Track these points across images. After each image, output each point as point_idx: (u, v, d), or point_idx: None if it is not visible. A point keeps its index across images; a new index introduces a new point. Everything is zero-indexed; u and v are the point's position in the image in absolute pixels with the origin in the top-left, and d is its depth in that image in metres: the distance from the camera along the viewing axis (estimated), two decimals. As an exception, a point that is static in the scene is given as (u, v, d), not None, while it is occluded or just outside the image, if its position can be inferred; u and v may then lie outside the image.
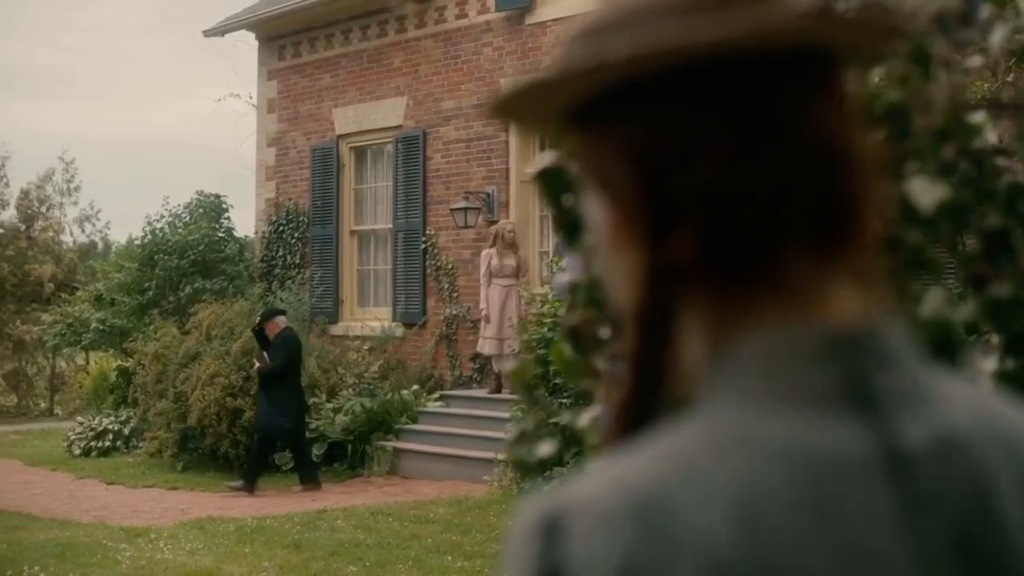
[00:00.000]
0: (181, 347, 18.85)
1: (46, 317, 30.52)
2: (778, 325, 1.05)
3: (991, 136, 2.00)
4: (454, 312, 19.28)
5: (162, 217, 23.49)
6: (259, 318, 17.07)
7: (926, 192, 1.86)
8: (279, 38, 22.33)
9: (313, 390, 17.73)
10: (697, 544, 0.96)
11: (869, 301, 1.08)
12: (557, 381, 9.90)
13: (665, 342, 1.09)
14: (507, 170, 18.49)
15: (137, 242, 24.09)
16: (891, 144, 1.94)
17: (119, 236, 38.81)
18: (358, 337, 20.10)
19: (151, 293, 22.65)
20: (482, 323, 17.33)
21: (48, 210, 34.49)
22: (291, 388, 16.48)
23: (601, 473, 1.03)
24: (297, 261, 21.86)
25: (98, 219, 36.82)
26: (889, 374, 1.04)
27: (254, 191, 23.06)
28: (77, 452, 20.57)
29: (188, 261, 22.35)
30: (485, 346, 17.28)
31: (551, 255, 16.57)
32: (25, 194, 33.97)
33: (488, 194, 18.68)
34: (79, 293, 30.11)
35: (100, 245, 40.30)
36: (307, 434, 16.95)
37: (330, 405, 17.60)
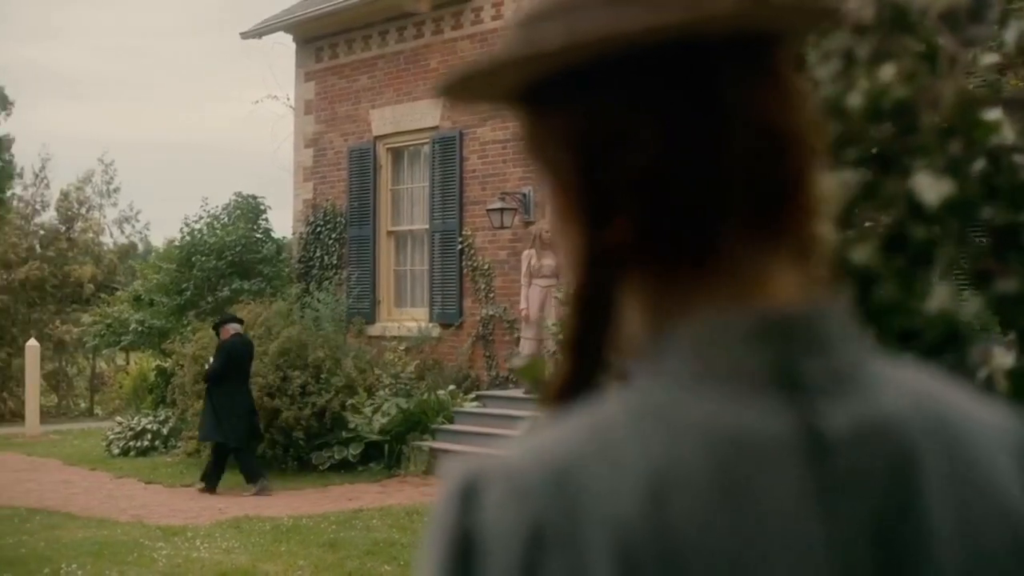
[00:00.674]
0: (218, 348, 18.94)
1: (86, 318, 30.69)
2: (713, 308, 1.06)
3: (1008, 133, 2.00)
4: (490, 312, 19.28)
5: (200, 218, 23.59)
6: (213, 324, 17.56)
7: (931, 188, 1.86)
8: (316, 40, 22.40)
9: (350, 390, 17.78)
10: (605, 515, 0.98)
11: (811, 284, 1.09)
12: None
13: (604, 323, 1.10)
14: (543, 171, 18.43)
15: (175, 243, 24.20)
16: (898, 140, 1.95)
17: (158, 237, 39.05)
18: (395, 337, 20.14)
19: (189, 294, 22.74)
20: (522, 323, 17.38)
21: (88, 211, 34.68)
22: (228, 394, 16.66)
23: (523, 444, 1.05)
24: (334, 262, 21.91)
25: (137, 220, 37.07)
26: (820, 358, 1.05)
27: (291, 192, 23.13)
28: (116, 452, 20.70)
29: (226, 262, 22.44)
30: (524, 346, 17.30)
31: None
32: (65, 196, 34.16)
33: (524, 195, 18.67)
34: (118, 293, 30.26)
35: (140, 246, 40.49)
36: (261, 435, 17.27)
37: (368, 406, 17.64)
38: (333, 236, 22.03)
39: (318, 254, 22.25)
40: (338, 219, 21.96)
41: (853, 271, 1.91)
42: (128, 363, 32.19)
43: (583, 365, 1.11)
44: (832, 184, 1.90)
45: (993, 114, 1.97)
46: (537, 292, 17.04)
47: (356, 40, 21.71)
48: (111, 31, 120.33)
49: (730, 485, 1.00)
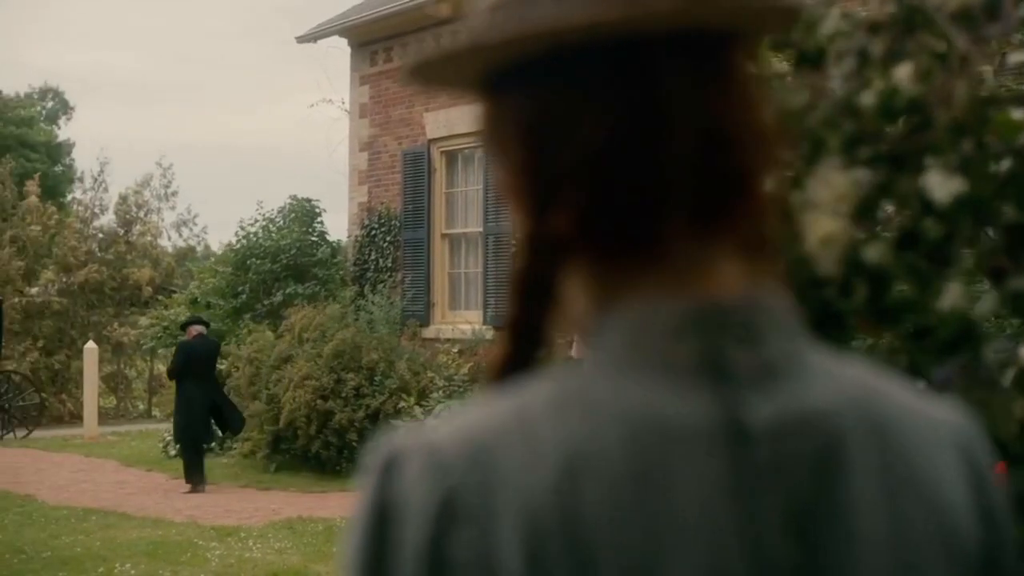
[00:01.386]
0: (274, 350, 19.04)
1: (143, 320, 30.91)
2: (647, 297, 1.07)
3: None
4: (544, 315, 19.25)
5: (256, 222, 23.74)
6: (181, 324, 18.81)
7: (942, 186, 1.87)
8: (371, 43, 22.48)
9: (403, 392, 17.82)
10: (517, 495, 1.00)
11: (755, 276, 1.09)
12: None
13: (543, 306, 1.12)
14: (596, 173, 18.43)
15: (230, 247, 24.36)
16: (911, 139, 1.95)
17: (215, 241, 39.29)
18: (449, 340, 20.18)
19: (244, 297, 22.89)
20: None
21: (146, 215, 34.89)
22: (183, 392, 17.79)
23: (449, 421, 1.08)
24: (389, 264, 21.97)
25: (195, 223, 37.37)
26: (750, 349, 1.06)
27: (346, 195, 23.22)
28: (172, 453, 20.81)
29: (281, 265, 22.56)
30: (576, 348, 17.30)
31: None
32: (123, 199, 34.37)
33: (578, 197, 18.65)
34: (175, 296, 30.47)
35: (199, 249, 40.78)
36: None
37: (419, 408, 17.69)
38: (388, 239, 22.08)
39: (373, 257, 22.31)
40: (392, 222, 22.02)
41: (867, 269, 1.91)
42: (186, 365, 32.40)
43: (521, 346, 1.14)
44: (846, 183, 1.91)
45: (1019, 113, 1.97)
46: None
47: (410, 44, 21.77)
48: (169, 35, 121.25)
49: (644, 471, 1.01)
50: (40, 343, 30.70)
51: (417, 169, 21.53)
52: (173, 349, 19.00)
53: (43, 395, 28.19)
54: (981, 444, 1.16)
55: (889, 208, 1.97)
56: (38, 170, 40.47)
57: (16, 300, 30.66)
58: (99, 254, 32.75)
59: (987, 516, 1.13)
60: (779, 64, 2.14)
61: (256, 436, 18.73)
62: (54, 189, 46.44)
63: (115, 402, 32.43)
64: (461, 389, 18.46)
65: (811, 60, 2.07)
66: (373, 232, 22.34)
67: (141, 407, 33.09)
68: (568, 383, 1.08)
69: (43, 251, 32.12)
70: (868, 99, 1.96)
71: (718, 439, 1.03)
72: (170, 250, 36.80)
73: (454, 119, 20.72)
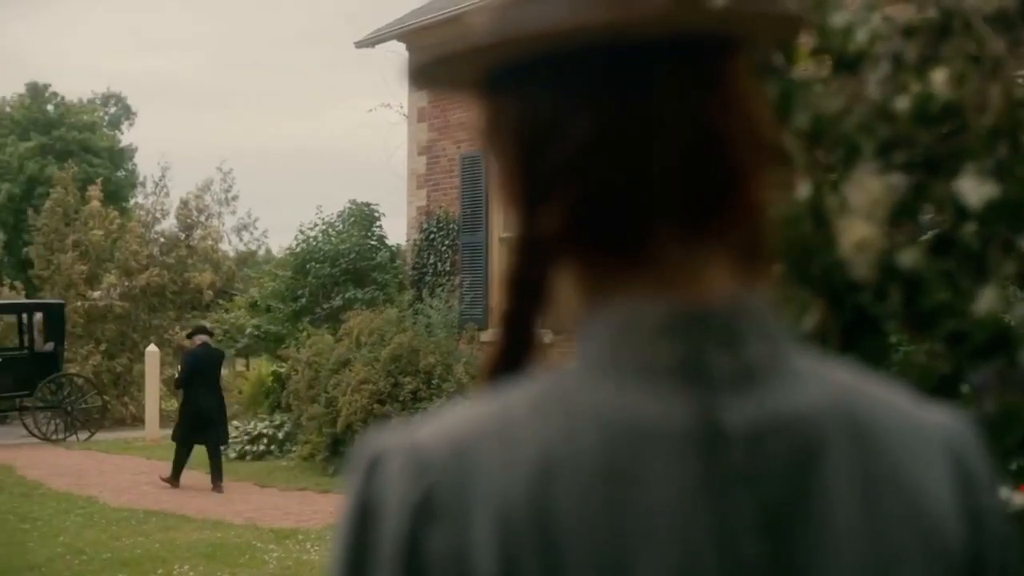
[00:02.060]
0: (332, 354, 19.14)
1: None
2: (631, 299, 1.08)
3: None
4: (602, 318, 19.23)
5: (315, 226, 23.88)
6: (187, 334, 19.73)
7: (975, 190, 1.86)
8: (429, 48, 22.54)
9: (460, 396, 17.86)
10: (492, 493, 1.02)
11: (747, 280, 1.10)
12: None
13: (535, 305, 1.14)
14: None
15: (289, 251, 24.52)
16: (946, 143, 1.95)
17: (275, 244, 39.43)
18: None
19: (304, 300, 23.02)
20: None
21: (207, 219, 35.16)
22: (188, 397, 18.34)
23: (433, 421, 1.10)
24: (447, 268, 22.02)
25: (255, 227, 37.60)
26: (731, 352, 1.06)
27: (405, 199, 23.30)
28: (233, 456, 20.99)
29: (340, 269, 22.69)
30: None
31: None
32: (184, 204, 34.66)
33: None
34: (236, 299, 30.68)
35: (261, 252, 40.99)
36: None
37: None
38: (446, 243, 22.14)
39: (431, 261, 22.37)
40: (451, 226, 22.07)
41: (901, 274, 1.91)
42: (248, 368, 32.62)
43: (514, 344, 1.15)
44: (881, 188, 1.91)
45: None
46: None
47: (468, 48, 21.80)
48: (231, 41, 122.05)
49: (617, 472, 1.02)
50: (102, 346, 31.03)
51: (475, 172, 21.56)
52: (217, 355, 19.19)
53: (105, 398, 28.45)
54: (975, 448, 1.16)
55: (927, 215, 1.97)
56: (101, 175, 40.89)
57: (79, 304, 31.00)
58: (160, 258, 33.05)
59: (975, 519, 1.13)
60: (817, 69, 2.14)
61: (315, 439, 18.85)
62: (116, 194, 46.84)
63: (176, 405, 32.67)
64: (519, 392, 18.44)
65: (848, 65, 2.07)
66: (431, 236, 22.40)
67: (203, 410, 33.30)
68: (550, 385, 1.09)
69: (105, 255, 32.44)
70: (903, 104, 1.96)
71: (693, 441, 1.04)
72: (231, 254, 37.01)
73: (512, 123, 20.73)
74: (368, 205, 24.12)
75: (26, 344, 27.68)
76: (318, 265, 22.88)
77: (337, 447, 18.34)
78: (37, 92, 56.85)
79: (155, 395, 26.20)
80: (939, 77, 1.97)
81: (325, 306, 22.64)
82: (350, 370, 18.30)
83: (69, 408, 26.24)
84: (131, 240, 32.32)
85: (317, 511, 15.48)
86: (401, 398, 17.58)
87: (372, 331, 18.86)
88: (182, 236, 34.07)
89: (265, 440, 21.10)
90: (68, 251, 31.91)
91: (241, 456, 20.89)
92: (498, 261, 21.32)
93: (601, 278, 1.11)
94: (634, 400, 1.05)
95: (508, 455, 1.04)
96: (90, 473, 19.94)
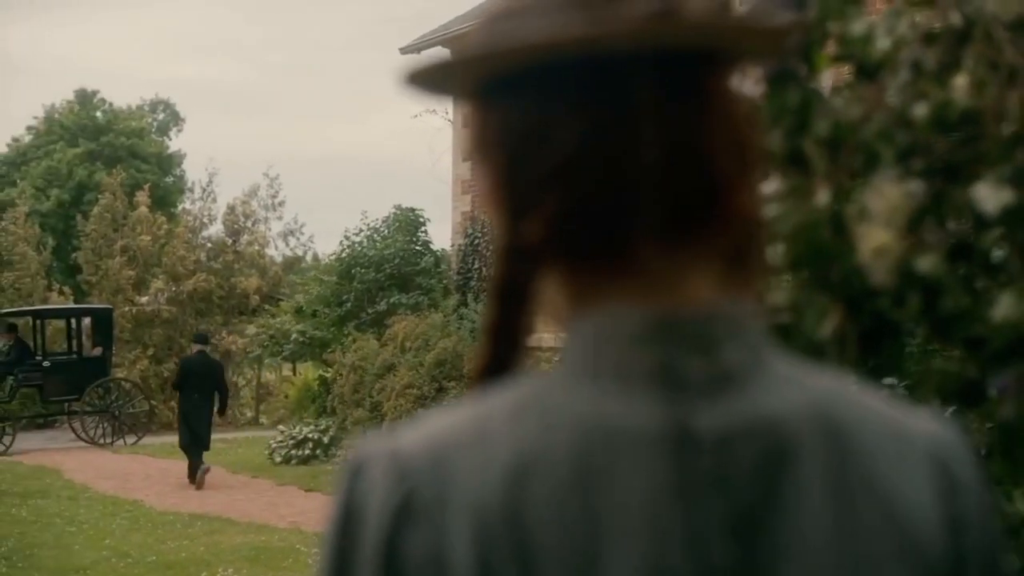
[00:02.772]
0: (377, 359, 19.21)
1: (250, 329, 31.29)
2: (613, 306, 1.11)
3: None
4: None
5: (360, 231, 23.97)
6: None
7: (991, 197, 1.87)
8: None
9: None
10: (468, 496, 1.05)
11: (730, 288, 1.12)
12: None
13: (520, 312, 1.17)
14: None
15: (334, 256, 24.62)
16: (964, 150, 1.96)
17: (322, 249, 39.59)
18: (550, 348, 20.12)
19: (349, 305, 23.11)
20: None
21: (253, 224, 35.28)
22: (181, 403, 19.77)
23: (417, 427, 1.13)
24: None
25: (302, 233, 37.65)
26: (706, 358, 1.08)
27: (450, 204, 23.36)
28: (278, 460, 21.10)
29: (385, 275, 22.76)
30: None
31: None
32: (231, 209, 34.80)
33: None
34: (282, 304, 30.81)
35: (308, 258, 41.09)
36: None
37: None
38: (491, 248, 22.10)
39: (476, 266, 22.39)
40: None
41: (920, 280, 1.92)
42: (294, 373, 32.77)
43: (499, 350, 1.18)
44: (899, 194, 1.92)
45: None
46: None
47: (513, 54, 21.82)
48: (278, 46, 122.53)
49: (588, 474, 1.05)
50: (150, 351, 31.22)
51: (519, 178, 21.56)
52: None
53: (152, 402, 28.62)
54: (961, 455, 1.17)
55: (946, 221, 1.98)
56: (148, 181, 41.10)
57: (127, 309, 31.21)
58: (207, 263, 33.24)
59: (957, 524, 1.14)
60: (840, 77, 2.16)
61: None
62: (164, 200, 47.10)
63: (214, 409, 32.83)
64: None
65: (869, 73, 2.08)
66: (476, 241, 22.43)
67: (249, 414, 33.49)
68: (529, 390, 1.12)
69: (153, 261, 32.64)
70: (922, 111, 1.97)
71: (665, 444, 1.06)
72: (277, 259, 37.17)
73: (556, 128, 20.74)
74: (413, 210, 24.20)
75: (74, 349, 27.90)
76: (363, 270, 22.97)
77: (382, 452, 18.37)
78: (86, 99, 57.29)
79: (202, 399, 26.31)
80: (958, 84, 1.98)
81: (370, 311, 22.73)
82: (395, 375, 18.37)
83: (116, 412, 26.38)
84: (178, 245, 32.50)
85: (361, 515, 15.52)
86: (446, 403, 17.58)
87: (417, 336, 18.92)
88: (229, 241, 34.23)
89: (310, 444, 21.17)
90: (116, 256, 32.12)
91: (286, 460, 20.97)
92: (542, 266, 21.30)
93: (584, 285, 1.13)
94: (609, 405, 1.08)
95: (484, 458, 1.07)
96: (136, 477, 20.09)
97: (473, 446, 1.09)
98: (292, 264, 38.17)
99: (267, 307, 32.02)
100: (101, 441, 25.73)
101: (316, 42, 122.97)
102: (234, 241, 34.27)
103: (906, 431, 1.15)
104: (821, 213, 1.97)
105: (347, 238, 24.12)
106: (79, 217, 35.77)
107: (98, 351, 27.56)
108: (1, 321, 27.62)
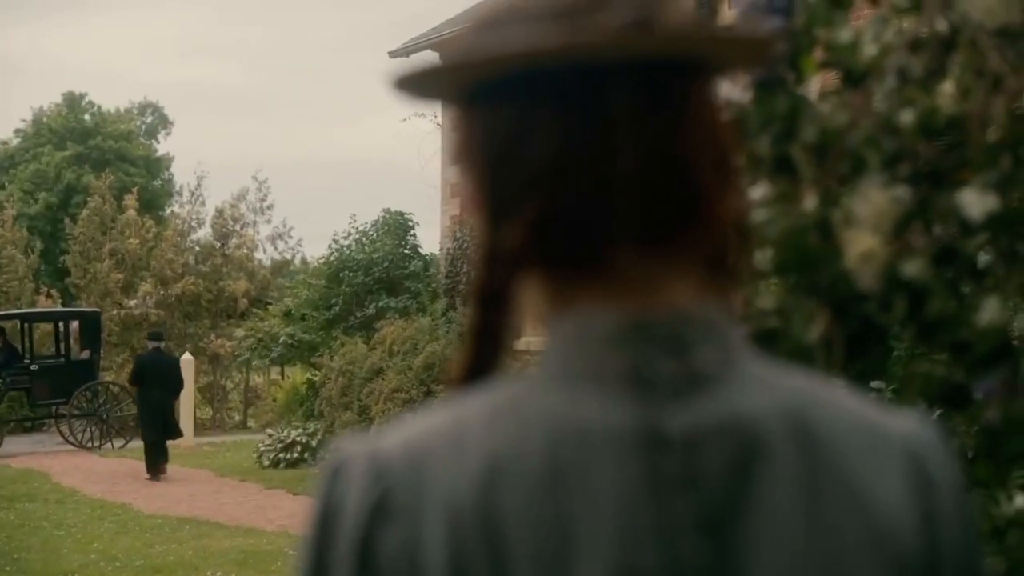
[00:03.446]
0: (365, 362, 19.20)
1: (239, 332, 31.28)
2: (589, 310, 1.13)
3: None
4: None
5: (349, 235, 23.97)
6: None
7: (976, 203, 1.89)
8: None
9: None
10: (443, 496, 1.08)
11: (707, 293, 1.14)
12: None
13: (500, 315, 1.19)
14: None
15: (322, 260, 24.64)
16: (949, 156, 1.98)
17: (310, 253, 39.53)
18: (540, 352, 20.16)
19: (337, 309, 23.11)
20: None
21: (242, 228, 35.22)
22: (139, 398, 21.11)
23: (396, 429, 1.16)
24: (481, 277, 21.98)
25: (290, 236, 37.57)
26: (677, 360, 1.10)
27: (439, 208, 23.36)
28: (266, 463, 21.08)
29: (373, 278, 22.77)
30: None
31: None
32: (220, 213, 34.75)
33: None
34: (271, 308, 30.80)
35: (297, 261, 41.01)
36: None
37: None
38: (473, 252, 22.11)
39: (465, 270, 22.37)
40: (484, 235, 22.04)
41: (906, 285, 1.94)
42: (283, 376, 32.76)
43: (481, 353, 1.20)
44: (886, 200, 1.94)
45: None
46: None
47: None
48: (266, 50, 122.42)
49: (560, 474, 1.07)
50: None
51: (508, 182, 21.56)
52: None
53: (140, 406, 28.56)
54: (937, 453, 1.19)
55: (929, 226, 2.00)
56: (137, 184, 41.12)
57: (115, 312, 31.21)
58: (196, 267, 33.22)
59: (931, 521, 1.15)
60: (826, 83, 2.17)
61: (348, 447, 18.91)
62: (152, 203, 47.02)
63: (211, 413, 32.83)
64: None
65: (856, 79, 2.10)
66: (465, 245, 22.39)
67: (237, 418, 33.49)
68: (505, 392, 1.14)
69: (141, 264, 32.65)
70: (908, 117, 1.99)
71: (636, 445, 1.08)
72: (266, 263, 37.12)
73: (544, 132, 20.74)
74: (402, 214, 24.22)
75: (62, 352, 27.85)
76: (352, 274, 22.98)
77: (370, 455, 18.38)
78: (74, 102, 57.22)
79: (190, 403, 26.31)
80: (944, 91, 2.00)
81: (358, 315, 22.73)
82: (383, 378, 18.38)
83: (104, 416, 26.33)
84: (167, 249, 32.50)
85: (349, 519, 15.52)
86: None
87: (405, 340, 18.92)
88: (217, 245, 34.21)
89: (299, 448, 21.15)
90: (104, 260, 32.12)
91: (275, 464, 20.95)
92: (531, 270, 21.31)
93: (563, 290, 1.16)
94: (582, 406, 1.10)
95: (459, 459, 1.10)
96: (124, 480, 20.07)
97: (449, 448, 1.11)
98: (280, 268, 38.08)
99: (255, 311, 32.01)
100: (89, 445, 25.67)
101: (305, 46, 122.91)
102: (222, 245, 34.23)
103: (880, 429, 1.17)
104: (808, 218, 1.99)
105: (336, 241, 24.13)
106: (67, 220, 35.73)
107: (86, 354, 27.51)
108: (-11, 324, 27.57)
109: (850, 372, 1.99)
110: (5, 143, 56.19)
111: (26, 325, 27.62)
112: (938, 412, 2.00)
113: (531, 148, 1.13)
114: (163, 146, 62.96)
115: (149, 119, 62.95)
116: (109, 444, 25.67)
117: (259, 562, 12.89)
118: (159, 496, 17.98)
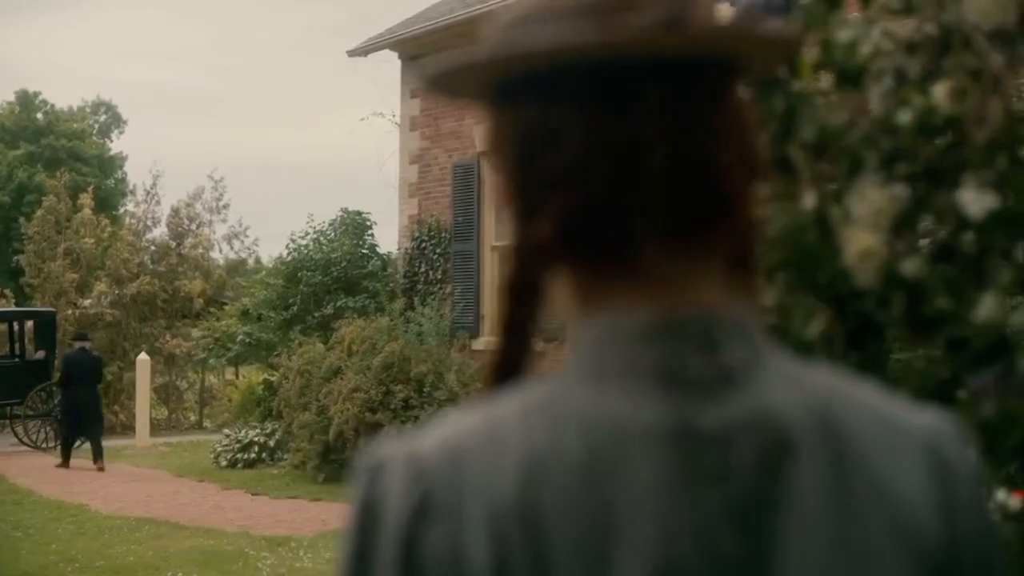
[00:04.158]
0: (324, 362, 19.14)
1: (195, 332, 31.12)
2: (618, 308, 1.15)
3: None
4: (592, 327, 19.20)
5: (306, 234, 23.89)
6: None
7: (976, 202, 1.92)
8: (421, 57, 22.57)
9: (453, 404, 17.83)
10: (484, 493, 1.10)
11: (733, 291, 1.17)
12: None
13: (531, 311, 1.21)
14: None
15: (280, 259, 24.56)
16: (947, 156, 2.01)
17: (266, 253, 39.35)
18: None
19: (295, 309, 23.03)
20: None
21: (198, 228, 35.05)
22: (64, 395, 22.50)
23: (432, 430, 1.17)
24: (439, 277, 22.01)
25: (246, 236, 37.43)
26: (708, 357, 1.12)
27: (397, 208, 23.32)
28: (224, 464, 21.01)
29: (331, 278, 22.69)
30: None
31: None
32: (176, 212, 34.56)
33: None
34: (227, 308, 30.67)
35: (251, 261, 40.89)
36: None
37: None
38: (437, 251, 22.14)
39: (423, 269, 22.37)
40: (442, 234, 22.07)
41: (904, 282, 1.97)
42: (238, 377, 32.63)
43: (512, 348, 1.22)
44: (884, 198, 1.97)
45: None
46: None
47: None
48: (223, 50, 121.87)
49: (598, 471, 1.09)
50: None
51: (467, 181, 21.59)
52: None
53: (96, 406, 28.37)
54: (956, 448, 1.21)
55: (927, 223, 2.02)
56: (90, 183, 40.76)
57: (69, 312, 30.96)
58: (151, 266, 33.02)
59: (951, 514, 1.17)
60: (820, 83, 2.20)
61: (306, 447, 18.84)
62: (106, 202, 46.72)
63: (166, 413, 32.66)
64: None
65: (851, 79, 2.13)
66: (423, 244, 22.41)
67: (192, 418, 33.33)
68: (538, 392, 1.16)
69: (96, 263, 32.42)
70: (906, 117, 2.02)
71: (669, 441, 1.10)
72: (221, 262, 36.96)
73: (503, 132, 20.73)
74: (360, 214, 24.15)
75: (17, 352, 27.67)
76: (309, 273, 22.89)
77: (328, 455, 18.34)
78: (27, 100, 56.87)
79: (146, 403, 26.20)
80: (940, 91, 2.03)
81: (316, 314, 22.64)
82: (341, 378, 18.29)
83: (59, 416, 26.17)
84: (122, 248, 32.27)
85: (309, 519, 15.49)
86: (392, 406, 17.58)
87: (364, 339, 18.84)
88: (173, 244, 34.01)
89: (256, 448, 21.09)
90: (59, 259, 31.88)
91: (232, 464, 20.88)
92: (489, 270, 21.35)
93: (591, 286, 1.17)
94: (615, 403, 1.12)
95: (498, 459, 1.11)
96: (81, 481, 19.94)
97: (486, 447, 1.13)
98: (236, 267, 37.94)
99: (211, 310, 31.86)
100: (44, 445, 25.50)
101: (260, 45, 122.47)
102: (178, 244, 34.05)
103: (901, 424, 1.19)
104: (807, 217, 2.01)
105: (293, 241, 24.05)
106: (21, 219, 35.46)
107: (41, 354, 27.37)
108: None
109: (848, 368, 2.01)
110: (-44, 142, 55.73)
111: (-20, 325, 27.43)
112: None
113: (560, 144, 1.14)
114: (116, 145, 62.65)
115: (102, 118, 62.60)
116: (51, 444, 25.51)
117: (221, 562, 12.84)
118: (117, 497, 17.88)
